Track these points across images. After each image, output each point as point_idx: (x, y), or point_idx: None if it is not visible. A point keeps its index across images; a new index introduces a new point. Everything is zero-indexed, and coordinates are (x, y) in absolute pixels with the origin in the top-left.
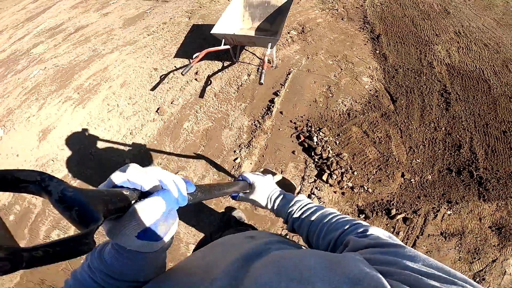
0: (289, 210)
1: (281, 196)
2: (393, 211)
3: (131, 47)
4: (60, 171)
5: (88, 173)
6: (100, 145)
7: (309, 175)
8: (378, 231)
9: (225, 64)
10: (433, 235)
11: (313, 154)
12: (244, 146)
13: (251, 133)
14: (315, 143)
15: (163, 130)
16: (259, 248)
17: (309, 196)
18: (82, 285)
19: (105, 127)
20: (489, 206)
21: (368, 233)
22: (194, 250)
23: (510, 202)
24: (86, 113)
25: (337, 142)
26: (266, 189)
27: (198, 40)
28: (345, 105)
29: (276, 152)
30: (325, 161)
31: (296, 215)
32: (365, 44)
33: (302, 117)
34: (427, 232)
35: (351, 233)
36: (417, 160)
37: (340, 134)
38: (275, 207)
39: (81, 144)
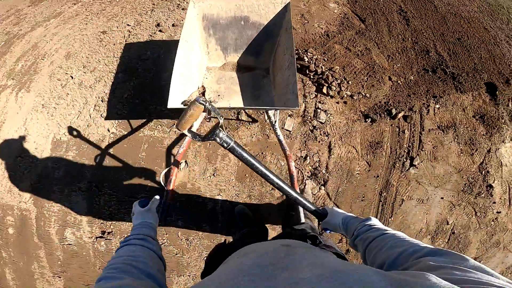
0: (360, 224)
1: (354, 217)
2: (393, 111)
3: (57, 20)
4: (36, 166)
5: (70, 157)
6: (70, 123)
7: (309, 92)
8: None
9: None
10: (432, 129)
11: (307, 72)
12: None
13: None
14: (306, 62)
15: (142, 87)
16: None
17: (315, 110)
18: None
19: (67, 103)
20: (466, 97)
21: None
22: (210, 257)
23: (481, 92)
24: (34, 96)
25: (325, 59)
26: (341, 212)
27: None
28: (321, 28)
29: None
30: (321, 75)
31: (364, 229)
32: None
33: None
34: (427, 127)
35: (417, 253)
36: (397, 64)
37: (326, 52)
38: (346, 223)
39: (47, 130)
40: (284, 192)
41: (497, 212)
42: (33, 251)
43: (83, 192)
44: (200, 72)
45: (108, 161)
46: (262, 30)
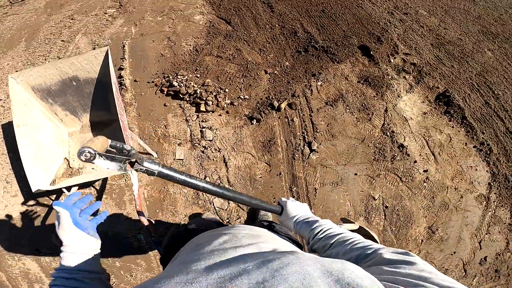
0: (311, 233)
1: (305, 220)
2: (276, 104)
3: None
4: None
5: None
6: None
7: (190, 115)
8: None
9: None
10: (321, 107)
11: (181, 96)
12: None
13: None
14: (177, 86)
15: None
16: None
17: (201, 131)
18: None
19: None
20: (345, 65)
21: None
22: (169, 244)
23: (358, 56)
24: None
25: (198, 76)
26: (293, 212)
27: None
28: (190, 45)
29: (150, 113)
30: (194, 95)
31: (316, 237)
32: None
33: (156, 74)
34: (315, 107)
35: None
36: (270, 55)
37: (197, 68)
38: (298, 229)
39: None
40: (236, 200)
41: (424, 171)
42: None
43: (29, 256)
44: (62, 142)
45: (36, 228)
46: (97, 83)
